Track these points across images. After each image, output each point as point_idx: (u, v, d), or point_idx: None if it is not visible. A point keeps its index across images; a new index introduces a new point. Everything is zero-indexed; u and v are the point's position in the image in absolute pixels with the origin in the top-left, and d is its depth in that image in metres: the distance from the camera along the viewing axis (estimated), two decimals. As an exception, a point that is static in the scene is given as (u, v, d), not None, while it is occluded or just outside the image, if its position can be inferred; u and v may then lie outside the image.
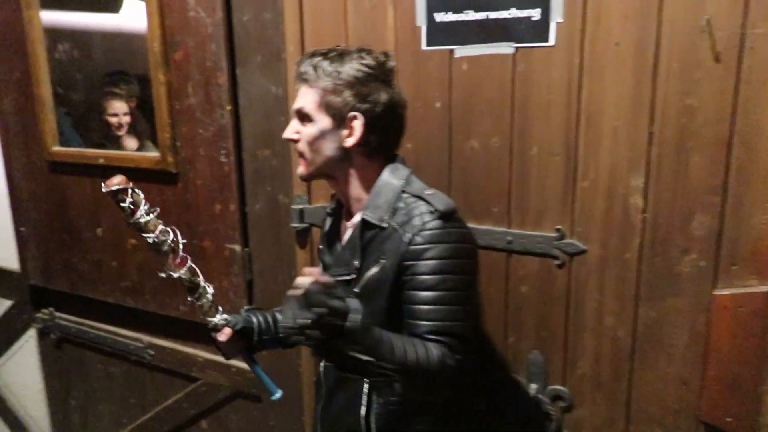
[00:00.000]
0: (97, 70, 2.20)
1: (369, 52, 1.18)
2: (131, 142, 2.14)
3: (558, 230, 1.39)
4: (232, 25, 1.70)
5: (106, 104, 2.12)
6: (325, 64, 1.16)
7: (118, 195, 1.24)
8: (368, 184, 1.22)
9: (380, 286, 1.17)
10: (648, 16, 1.22)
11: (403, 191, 1.19)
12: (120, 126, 2.13)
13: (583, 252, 1.37)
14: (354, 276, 1.22)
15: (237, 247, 1.83)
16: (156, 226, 1.27)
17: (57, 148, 2.11)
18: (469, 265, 1.18)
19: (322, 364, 1.38)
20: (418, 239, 1.12)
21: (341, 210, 1.32)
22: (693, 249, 1.27)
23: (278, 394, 1.38)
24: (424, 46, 1.46)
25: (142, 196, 1.27)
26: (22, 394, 2.78)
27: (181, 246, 1.30)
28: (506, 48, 1.36)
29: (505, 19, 1.35)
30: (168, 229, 1.30)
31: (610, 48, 1.27)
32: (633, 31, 1.24)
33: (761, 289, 1.22)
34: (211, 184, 1.82)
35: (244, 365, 1.95)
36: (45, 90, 2.07)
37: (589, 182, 1.34)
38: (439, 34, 1.43)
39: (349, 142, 1.18)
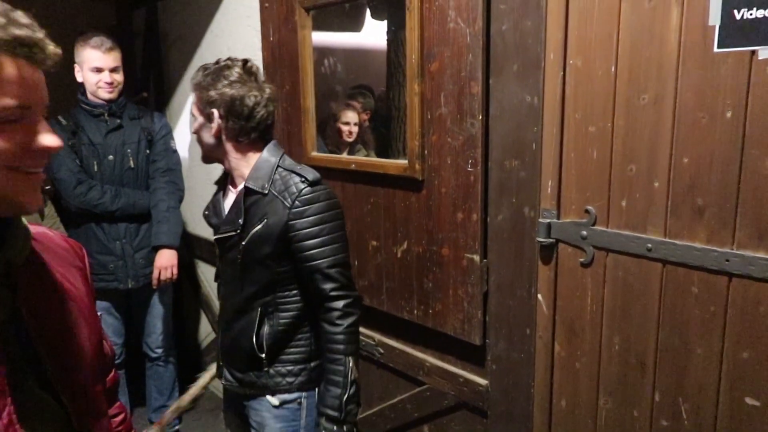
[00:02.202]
0: (344, 83, 2.40)
1: (232, 60, 1.58)
2: (358, 152, 2.29)
3: None
4: (490, 35, 1.70)
5: (341, 113, 2.31)
6: (196, 76, 1.58)
7: None
8: (243, 161, 1.61)
9: (266, 239, 1.55)
10: None
11: (279, 166, 1.58)
12: (350, 134, 2.30)
13: None
14: (238, 231, 1.59)
15: (476, 257, 1.81)
16: None
17: (315, 154, 2.32)
18: (336, 214, 1.57)
19: (219, 301, 1.79)
20: (297, 203, 1.53)
21: (226, 181, 1.72)
22: None
23: None
24: (716, 48, 1.29)
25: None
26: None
27: None
28: (833, 46, 1.14)
29: (833, 11, 1.13)
30: None
31: None
32: None
33: None
34: (455, 192, 1.83)
35: (472, 375, 1.94)
36: (310, 101, 2.29)
37: None
38: (737, 33, 1.25)
39: (213, 131, 1.57)
